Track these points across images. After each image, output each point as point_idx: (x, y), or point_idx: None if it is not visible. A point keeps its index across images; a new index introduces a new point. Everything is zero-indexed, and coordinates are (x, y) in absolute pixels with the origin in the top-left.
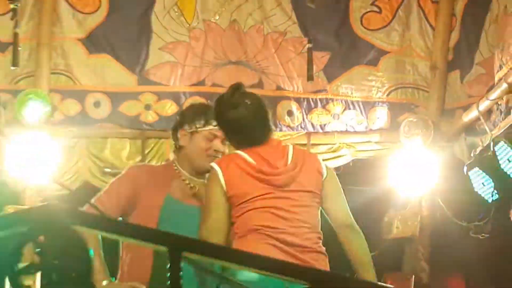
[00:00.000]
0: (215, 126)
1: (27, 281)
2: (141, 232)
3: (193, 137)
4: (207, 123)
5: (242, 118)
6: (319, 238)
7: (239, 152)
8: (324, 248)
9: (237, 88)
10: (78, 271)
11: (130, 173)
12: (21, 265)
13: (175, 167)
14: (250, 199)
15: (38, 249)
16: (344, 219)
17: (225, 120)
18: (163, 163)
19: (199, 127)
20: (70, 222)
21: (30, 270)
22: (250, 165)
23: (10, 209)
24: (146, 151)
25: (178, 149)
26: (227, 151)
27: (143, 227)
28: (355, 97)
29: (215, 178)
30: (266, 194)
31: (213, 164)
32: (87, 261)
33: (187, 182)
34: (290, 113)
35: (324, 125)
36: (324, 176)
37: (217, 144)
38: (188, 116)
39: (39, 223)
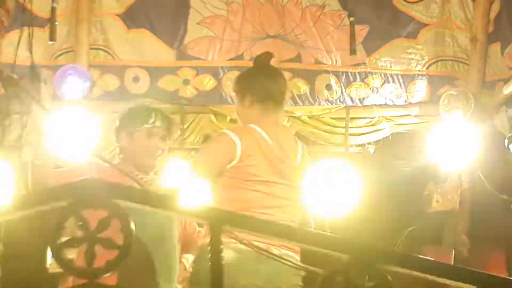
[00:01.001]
0: (151, 124)
1: (70, 255)
2: (181, 206)
3: (132, 138)
4: (144, 122)
5: (278, 89)
6: None
7: (255, 127)
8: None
9: (272, 56)
10: (119, 244)
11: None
12: (64, 238)
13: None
14: (256, 180)
15: (80, 223)
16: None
17: (258, 85)
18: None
19: (137, 127)
20: (111, 196)
21: (72, 243)
22: (267, 145)
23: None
24: (185, 126)
25: (120, 151)
26: (167, 147)
27: (184, 201)
28: (394, 70)
29: (230, 143)
30: (272, 181)
31: (230, 133)
32: (128, 234)
33: (138, 175)
34: (328, 87)
35: (363, 98)
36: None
37: (156, 141)
38: (125, 120)
39: (81, 197)
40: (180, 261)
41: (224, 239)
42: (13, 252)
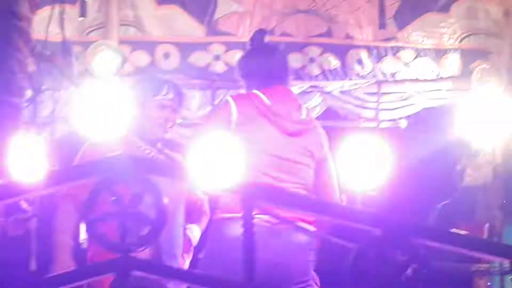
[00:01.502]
0: (163, 96)
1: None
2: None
3: (144, 108)
4: (156, 93)
5: (279, 67)
6: None
7: (255, 91)
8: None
9: (265, 33)
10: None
11: (86, 153)
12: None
13: (133, 138)
14: (259, 140)
15: (114, 198)
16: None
17: (261, 69)
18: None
19: (149, 98)
20: (143, 171)
21: (105, 218)
22: (265, 105)
23: None
24: (216, 102)
25: (131, 120)
26: (177, 120)
27: (216, 174)
28: (426, 44)
29: (226, 107)
30: (276, 140)
31: (229, 99)
32: (161, 209)
33: (142, 150)
34: (360, 62)
35: (395, 73)
36: (325, 148)
37: (167, 113)
38: (139, 89)
39: (114, 173)
40: (184, 233)
41: (235, 214)
42: (47, 227)
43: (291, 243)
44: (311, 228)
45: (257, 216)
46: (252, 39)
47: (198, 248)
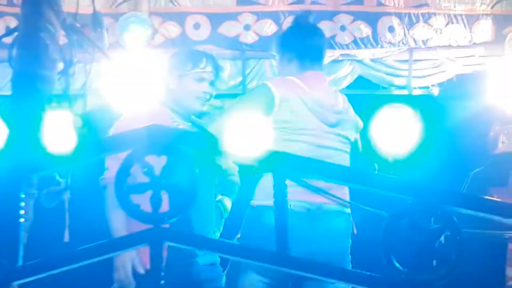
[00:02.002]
0: (202, 68)
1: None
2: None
3: (182, 80)
4: (195, 66)
5: (315, 45)
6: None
7: (293, 77)
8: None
9: (311, 14)
10: (185, 190)
11: (119, 126)
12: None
13: (166, 111)
14: (299, 129)
15: (145, 169)
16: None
17: (296, 43)
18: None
19: (187, 70)
20: (176, 142)
21: (138, 189)
22: (304, 91)
23: None
24: (247, 72)
25: (168, 93)
26: (214, 92)
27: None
28: (458, 10)
29: (267, 91)
30: (316, 129)
31: (267, 82)
32: (193, 179)
33: (176, 123)
34: (391, 29)
35: (427, 40)
36: (361, 128)
37: (205, 86)
38: (176, 61)
39: (146, 144)
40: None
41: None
42: (80, 199)
43: (331, 230)
44: (348, 210)
45: (293, 202)
46: (296, 17)
47: (233, 232)
